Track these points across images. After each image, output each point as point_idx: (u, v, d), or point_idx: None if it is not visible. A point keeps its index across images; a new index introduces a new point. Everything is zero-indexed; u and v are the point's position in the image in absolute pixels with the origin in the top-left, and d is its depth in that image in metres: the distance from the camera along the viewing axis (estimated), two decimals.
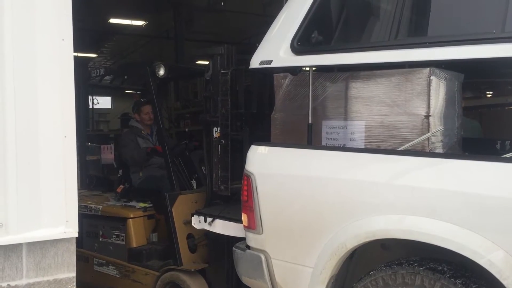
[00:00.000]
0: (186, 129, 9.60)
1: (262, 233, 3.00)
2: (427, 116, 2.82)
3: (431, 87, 2.82)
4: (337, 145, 3.11)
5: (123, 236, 4.43)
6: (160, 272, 4.10)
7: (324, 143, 3.18)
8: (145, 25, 14.53)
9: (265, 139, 3.91)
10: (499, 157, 2.41)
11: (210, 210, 3.73)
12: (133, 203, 4.71)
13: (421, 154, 2.61)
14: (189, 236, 4.10)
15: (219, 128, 3.88)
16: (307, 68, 3.10)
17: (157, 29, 14.83)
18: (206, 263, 4.04)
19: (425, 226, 2.40)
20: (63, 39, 2.34)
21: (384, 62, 2.74)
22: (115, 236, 4.50)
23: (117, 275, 4.48)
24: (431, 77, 2.80)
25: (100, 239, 4.64)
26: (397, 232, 2.50)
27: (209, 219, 3.60)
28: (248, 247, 3.15)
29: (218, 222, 3.54)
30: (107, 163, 5.87)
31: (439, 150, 2.88)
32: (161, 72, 4.17)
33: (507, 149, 3.82)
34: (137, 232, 4.37)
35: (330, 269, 2.72)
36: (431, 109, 2.83)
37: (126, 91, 18.03)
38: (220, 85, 3.71)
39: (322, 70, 3.10)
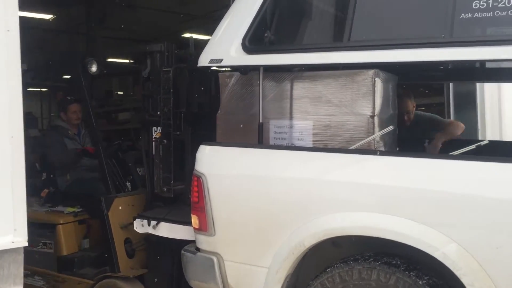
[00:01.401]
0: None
1: (214, 235, 2.95)
2: (373, 116, 2.92)
3: (376, 88, 2.92)
4: (288, 144, 3.12)
5: (51, 244, 4.14)
6: (94, 280, 3.89)
7: (272, 142, 3.18)
8: (53, 19, 13.73)
9: (207, 139, 3.85)
10: (447, 154, 2.55)
11: (153, 213, 3.60)
12: (59, 208, 4.42)
13: (373, 152, 2.69)
14: (127, 241, 3.93)
15: (159, 128, 3.77)
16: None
17: (66, 24, 14.07)
18: (145, 269, 3.90)
19: (382, 222, 2.48)
20: (8, 30, 2.12)
21: (336, 63, 2.80)
22: (42, 244, 4.19)
23: (44, 286, 4.19)
24: (376, 79, 2.90)
25: None
26: (355, 229, 2.56)
27: (153, 222, 3.47)
28: (198, 249, 3.08)
29: (164, 225, 3.42)
30: None
31: (382, 148, 3.00)
32: (94, 68, 3.97)
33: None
34: (67, 238, 4.11)
35: (287, 268, 2.74)
36: (376, 109, 2.94)
37: (29, 89, 16.90)
38: (162, 83, 3.60)
39: (272, 69, 3.10)
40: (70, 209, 4.35)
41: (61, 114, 4.74)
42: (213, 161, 3.01)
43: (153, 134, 3.82)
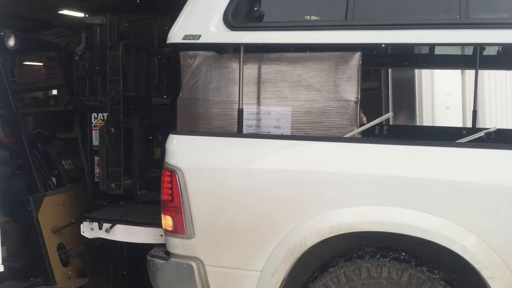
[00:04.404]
0: None
1: (193, 238, 2.57)
2: (357, 102, 2.75)
3: (359, 72, 2.75)
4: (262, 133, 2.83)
5: None
6: None
7: (245, 131, 2.86)
8: None
9: (156, 127, 3.42)
10: (454, 142, 2.46)
11: (102, 213, 3.08)
12: None
13: (381, 141, 2.52)
14: (59, 247, 3.34)
15: (101, 115, 3.24)
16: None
17: None
18: (84, 278, 3.36)
19: (396, 216, 2.32)
20: None
21: (337, 43, 2.56)
22: None
23: None
24: (360, 62, 2.73)
25: None
26: (365, 225, 2.37)
27: (106, 225, 2.95)
28: (169, 254, 2.68)
29: (120, 227, 2.93)
30: None
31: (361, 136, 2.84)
32: (11, 42, 3.28)
33: None
34: None
35: (284, 270, 2.48)
36: (359, 94, 2.77)
37: None
38: (109, 63, 3.06)
39: (252, 50, 2.76)
40: None
41: None
42: (191, 153, 2.61)
43: (93, 122, 3.28)
